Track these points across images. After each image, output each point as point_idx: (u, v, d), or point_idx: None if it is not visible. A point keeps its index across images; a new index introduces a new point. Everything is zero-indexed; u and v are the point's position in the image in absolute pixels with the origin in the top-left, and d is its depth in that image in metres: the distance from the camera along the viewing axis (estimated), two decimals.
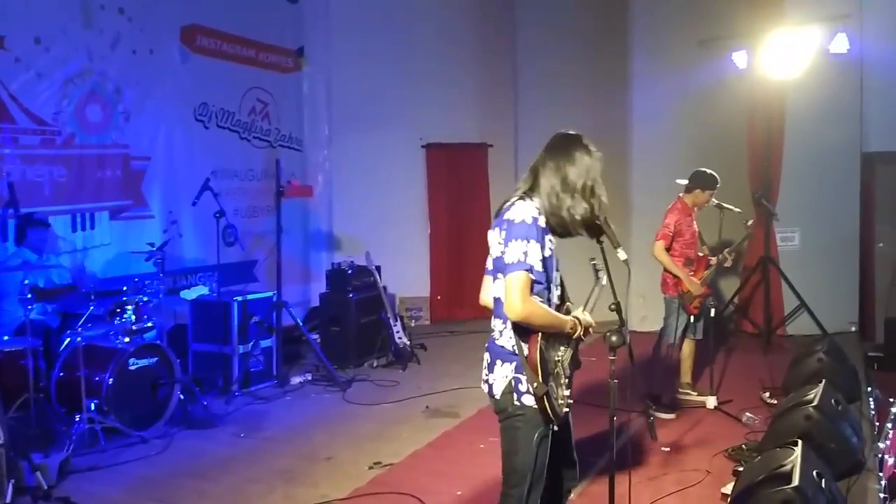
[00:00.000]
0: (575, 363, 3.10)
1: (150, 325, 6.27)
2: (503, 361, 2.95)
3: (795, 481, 3.44)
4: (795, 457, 3.67)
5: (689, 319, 6.21)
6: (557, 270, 3.10)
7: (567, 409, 2.99)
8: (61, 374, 5.71)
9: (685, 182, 6.35)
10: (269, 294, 7.64)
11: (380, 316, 8.34)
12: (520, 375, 2.89)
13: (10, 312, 5.95)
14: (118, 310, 6.03)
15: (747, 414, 5.90)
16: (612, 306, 3.32)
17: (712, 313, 6.35)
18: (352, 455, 5.46)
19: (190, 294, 7.63)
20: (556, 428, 2.93)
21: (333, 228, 10.29)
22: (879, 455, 4.34)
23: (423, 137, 10.29)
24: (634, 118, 9.68)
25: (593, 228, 3.03)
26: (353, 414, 6.57)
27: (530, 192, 2.99)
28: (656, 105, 9.37)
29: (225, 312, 7.14)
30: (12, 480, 4.39)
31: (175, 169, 8.06)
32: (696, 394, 6.52)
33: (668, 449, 5.36)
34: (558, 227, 2.98)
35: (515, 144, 10.44)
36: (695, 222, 6.29)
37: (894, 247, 8.59)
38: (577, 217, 2.96)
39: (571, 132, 3.13)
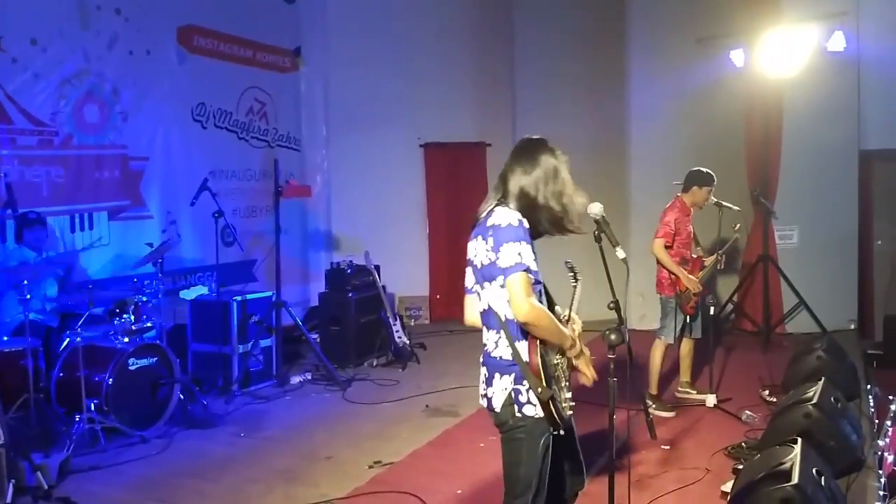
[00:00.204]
0: (570, 366, 3.09)
1: (149, 325, 6.27)
2: (501, 374, 2.91)
3: (795, 479, 3.44)
4: (795, 454, 3.67)
5: (685, 319, 6.21)
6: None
7: (570, 413, 2.98)
8: (61, 374, 5.71)
9: (681, 183, 6.36)
10: (269, 294, 7.65)
11: (379, 315, 8.35)
12: (519, 386, 2.87)
13: (10, 312, 5.94)
14: (118, 310, 6.03)
15: (747, 412, 5.90)
16: (611, 305, 3.33)
17: (711, 311, 6.36)
18: (352, 454, 5.46)
19: (189, 294, 7.63)
20: (561, 432, 2.91)
21: (332, 228, 10.29)
22: (879, 453, 4.35)
23: (421, 137, 10.29)
24: (632, 117, 9.69)
25: (560, 227, 3.02)
26: (353, 413, 6.57)
27: (503, 199, 2.98)
28: (654, 104, 9.38)
29: (224, 312, 7.14)
30: (13, 480, 4.40)
31: (173, 169, 8.06)
32: (695, 392, 6.53)
33: (667, 447, 5.37)
34: (531, 229, 2.97)
35: (513, 143, 10.38)
36: (691, 223, 6.29)
37: (893, 244, 8.61)
38: (546, 217, 2.97)
39: (535, 136, 3.12)
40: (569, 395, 2.98)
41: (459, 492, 4.73)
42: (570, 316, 3.10)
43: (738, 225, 6.62)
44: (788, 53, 8.15)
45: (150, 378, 5.95)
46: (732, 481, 4.26)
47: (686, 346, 6.48)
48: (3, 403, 4.99)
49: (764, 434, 4.91)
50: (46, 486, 4.52)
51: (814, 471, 3.62)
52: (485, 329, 3.03)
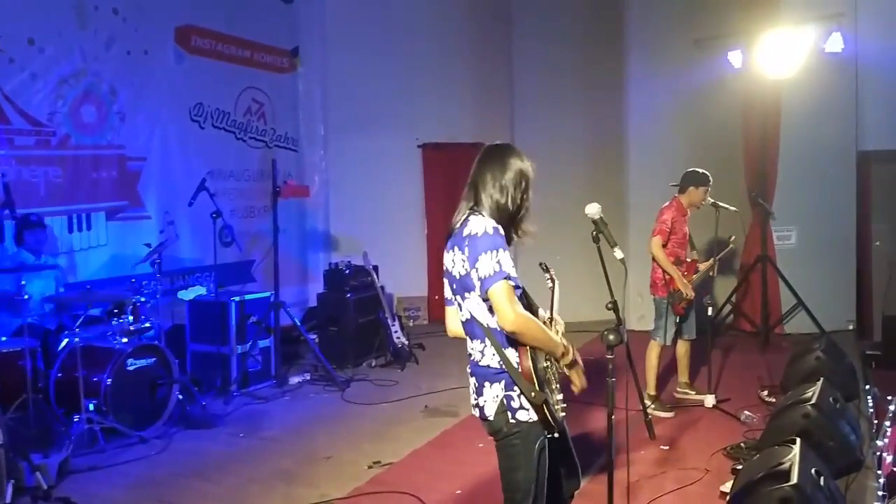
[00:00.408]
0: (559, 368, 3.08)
1: (147, 325, 6.26)
2: (491, 382, 2.89)
3: (794, 479, 3.44)
4: (794, 455, 3.68)
5: (676, 319, 6.22)
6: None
7: (563, 415, 2.97)
8: (60, 374, 5.71)
9: (677, 185, 6.37)
10: (267, 294, 7.64)
11: (378, 316, 8.35)
12: (510, 393, 2.85)
13: (9, 313, 5.93)
14: (116, 310, 6.03)
15: (746, 412, 5.91)
16: (609, 305, 3.33)
17: (709, 312, 6.37)
18: (351, 454, 5.46)
19: (188, 294, 7.63)
20: (556, 435, 2.90)
21: (330, 228, 10.29)
22: (878, 453, 4.35)
23: (419, 137, 10.29)
24: (630, 118, 9.70)
25: (518, 230, 3.02)
26: (352, 413, 6.57)
27: (475, 206, 2.96)
28: (652, 104, 9.39)
29: (223, 313, 7.14)
30: (12, 481, 4.40)
31: (171, 169, 8.05)
32: (694, 392, 6.53)
33: (666, 447, 5.37)
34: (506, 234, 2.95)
35: (512, 144, 10.42)
36: (687, 224, 6.29)
37: (891, 245, 8.61)
38: (515, 220, 2.97)
39: (500, 143, 3.11)
40: (560, 396, 2.96)
41: (458, 492, 4.73)
42: (551, 317, 3.09)
43: (733, 237, 6.69)
44: (786, 54, 8.17)
45: (148, 378, 5.94)
46: (731, 481, 4.26)
47: (682, 347, 6.49)
48: (2, 404, 5.00)
49: (763, 434, 4.91)
50: (45, 487, 4.52)
51: (813, 471, 3.62)
52: (468, 339, 3.00)
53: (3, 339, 5.64)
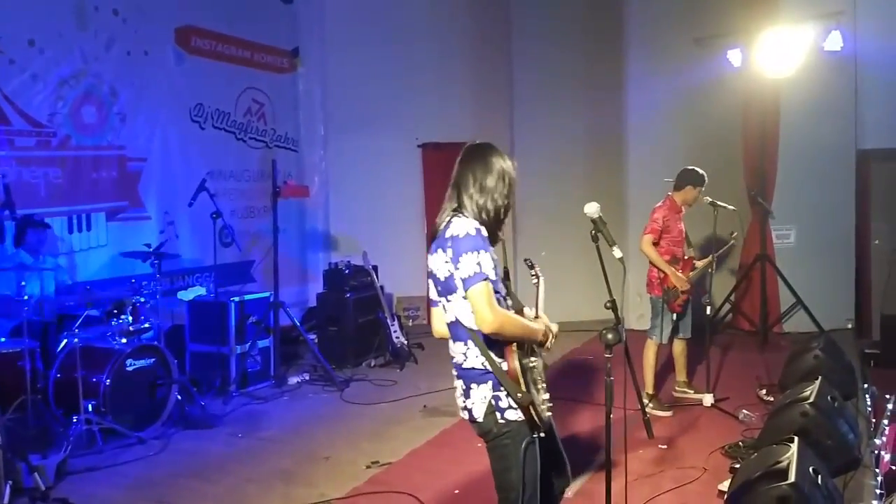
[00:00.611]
0: (545, 366, 3.09)
1: (147, 325, 6.26)
2: (478, 384, 2.89)
3: (792, 478, 3.45)
4: (792, 453, 3.68)
5: (672, 317, 6.22)
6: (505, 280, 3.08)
7: (549, 414, 2.97)
8: (58, 375, 5.71)
9: (672, 181, 6.38)
10: (266, 294, 7.65)
11: (377, 315, 8.35)
12: (498, 393, 2.85)
13: (8, 313, 5.93)
14: (115, 311, 6.03)
15: (744, 411, 5.91)
16: (608, 304, 3.33)
17: (708, 311, 6.37)
18: (350, 454, 5.47)
19: (187, 295, 7.63)
20: (542, 434, 2.90)
21: (330, 228, 10.29)
22: (876, 451, 4.35)
23: (418, 137, 10.28)
24: (630, 116, 9.70)
25: (497, 230, 3.00)
26: (350, 413, 6.57)
27: (458, 208, 2.95)
28: (652, 103, 9.38)
29: (222, 313, 7.15)
30: (10, 482, 4.39)
31: (171, 170, 8.06)
32: (692, 391, 6.54)
33: (664, 446, 5.38)
34: (489, 235, 2.95)
35: (511, 143, 10.42)
36: (682, 222, 6.30)
37: (890, 243, 8.60)
38: (496, 221, 2.95)
39: (480, 142, 3.09)
40: (546, 395, 2.97)
41: (457, 491, 4.74)
42: (537, 314, 3.09)
43: (735, 233, 6.63)
44: (785, 53, 8.16)
45: (147, 379, 5.95)
46: (729, 480, 4.26)
47: (678, 346, 6.49)
48: (1, 404, 4.99)
49: (761, 433, 4.91)
50: (44, 488, 4.52)
51: (810, 469, 3.62)
52: (451, 341, 3.00)
53: (2, 339, 5.64)
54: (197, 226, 7.94)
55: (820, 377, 5.02)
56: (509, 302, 3.00)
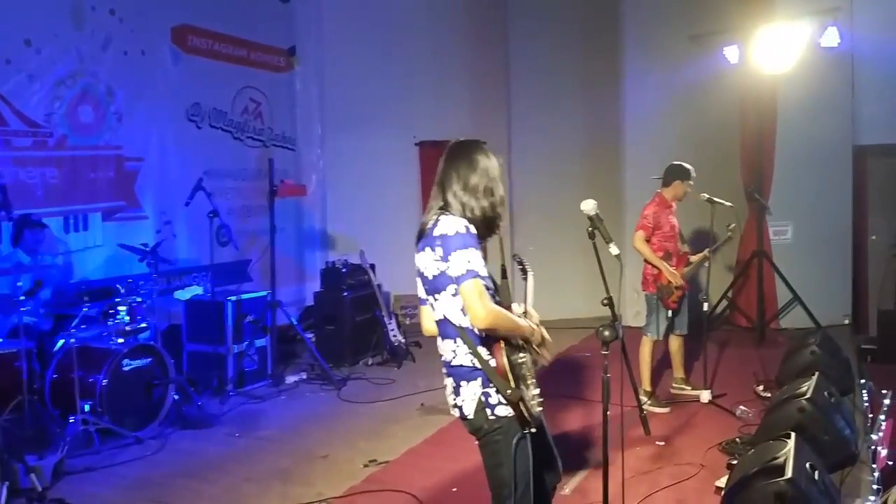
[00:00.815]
0: (535, 362, 3.09)
1: (143, 325, 6.26)
2: (467, 381, 2.90)
3: (789, 473, 3.45)
4: (789, 449, 3.68)
5: (667, 314, 6.23)
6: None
7: (540, 409, 2.97)
8: (55, 375, 5.71)
9: (660, 178, 6.39)
10: (264, 293, 7.64)
11: (374, 314, 8.35)
12: (488, 389, 2.86)
13: (4, 314, 5.93)
14: (112, 311, 6.03)
15: (741, 407, 5.92)
16: (605, 301, 3.33)
17: (705, 307, 6.37)
18: (347, 453, 5.47)
19: (184, 294, 7.63)
20: (533, 429, 2.90)
21: (327, 227, 10.28)
22: (872, 447, 4.36)
23: (416, 136, 10.27)
24: (627, 113, 9.70)
25: (491, 228, 3.00)
26: (348, 412, 6.57)
27: (444, 206, 2.95)
28: (649, 100, 9.39)
29: (219, 312, 7.13)
30: (7, 483, 4.40)
31: (168, 169, 8.05)
32: (689, 388, 6.55)
33: (662, 443, 5.39)
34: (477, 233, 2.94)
35: (509, 141, 10.43)
36: (673, 216, 6.30)
37: (887, 239, 8.62)
38: (483, 219, 2.94)
39: (465, 139, 3.09)
40: (537, 391, 2.97)
41: (455, 490, 4.74)
42: (525, 310, 3.09)
43: (733, 225, 6.60)
44: (782, 49, 8.17)
45: (144, 379, 5.94)
46: (727, 476, 4.26)
47: (675, 343, 6.50)
48: None
49: (758, 429, 4.91)
50: (41, 488, 4.53)
51: (807, 465, 3.62)
52: (440, 339, 3.01)
53: None
54: (194, 225, 7.93)
55: (817, 373, 5.02)
56: (497, 298, 3.00)
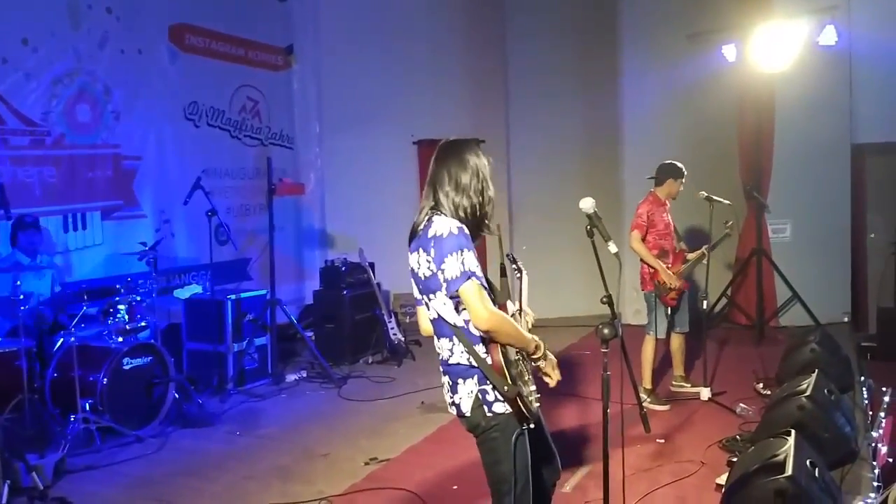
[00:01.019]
0: (530, 357, 3.08)
1: (143, 324, 6.27)
2: (464, 378, 2.90)
3: (789, 471, 3.46)
4: (789, 446, 3.69)
5: (666, 312, 6.23)
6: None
7: (538, 405, 2.98)
8: (55, 374, 5.70)
9: (654, 178, 6.39)
10: (263, 292, 7.64)
11: (374, 312, 8.35)
12: (485, 387, 2.85)
13: (4, 313, 5.92)
14: (111, 310, 6.02)
15: (741, 405, 5.93)
16: (604, 299, 3.33)
17: (705, 305, 6.38)
18: (348, 451, 5.47)
19: (183, 293, 7.62)
20: (531, 426, 2.90)
21: (326, 226, 10.28)
22: (872, 444, 4.37)
23: (414, 134, 10.26)
24: (625, 112, 9.70)
25: (480, 228, 3.00)
26: (348, 410, 6.58)
27: (436, 207, 2.95)
28: (646, 99, 9.40)
29: (219, 311, 7.13)
30: (8, 481, 4.40)
31: (166, 168, 8.04)
32: (690, 386, 6.56)
33: (662, 440, 5.39)
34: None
35: (507, 139, 10.44)
36: (668, 215, 6.31)
37: (886, 237, 8.63)
38: (473, 218, 2.94)
39: (455, 138, 3.08)
40: (533, 387, 2.97)
41: (455, 487, 4.74)
42: (520, 308, 3.08)
43: (731, 222, 6.59)
44: (780, 48, 8.17)
45: (144, 377, 5.94)
46: (727, 474, 4.27)
47: (676, 341, 6.51)
48: None
49: (758, 426, 4.93)
50: (42, 487, 4.53)
51: (808, 462, 3.64)
52: (436, 338, 3.02)
53: None
54: (192, 224, 7.93)
55: (816, 371, 5.04)
56: (492, 297, 3.00)
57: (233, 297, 7.23)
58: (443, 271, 2.79)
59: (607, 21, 9.83)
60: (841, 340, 6.74)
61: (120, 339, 5.94)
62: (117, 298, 6.07)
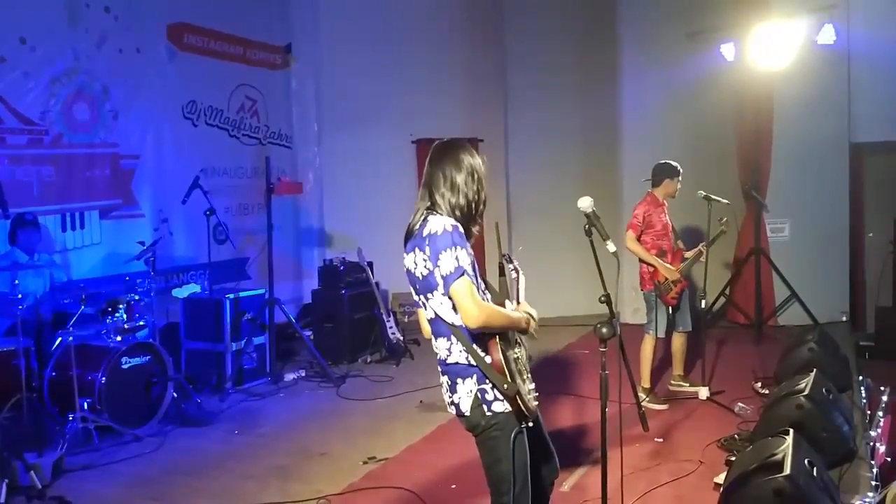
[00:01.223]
0: (529, 357, 3.09)
1: (142, 323, 6.26)
2: (463, 378, 2.90)
3: (787, 470, 3.46)
4: (787, 446, 3.69)
5: (668, 311, 6.24)
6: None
7: (536, 403, 2.98)
8: (54, 373, 5.70)
9: (650, 179, 6.40)
10: (261, 291, 7.64)
11: (373, 312, 8.35)
12: (484, 386, 2.86)
13: (2, 312, 5.91)
14: (110, 309, 6.01)
15: (740, 404, 5.93)
16: (603, 298, 3.34)
17: (703, 304, 6.38)
18: (346, 450, 5.47)
19: (182, 292, 7.61)
20: (530, 424, 2.91)
21: (325, 225, 10.27)
22: (871, 443, 4.37)
23: (413, 133, 10.25)
24: (624, 111, 9.71)
25: (473, 225, 3.01)
26: (347, 409, 6.58)
27: (431, 207, 2.96)
28: (645, 98, 9.40)
29: (217, 310, 7.13)
30: (6, 480, 4.40)
31: (164, 167, 8.03)
32: (688, 385, 6.56)
33: (660, 440, 5.39)
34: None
35: (506, 138, 10.43)
36: (666, 215, 6.31)
37: (884, 236, 8.63)
38: (466, 215, 2.95)
39: (449, 139, 3.09)
40: (532, 385, 2.98)
41: (454, 486, 4.74)
42: (517, 307, 3.09)
43: (725, 219, 6.58)
44: (779, 47, 8.18)
45: (143, 376, 5.94)
46: (725, 473, 4.27)
47: (677, 340, 6.51)
48: None
49: (756, 426, 4.93)
50: (40, 486, 4.53)
51: (806, 461, 3.64)
52: (434, 338, 3.02)
53: None
54: (191, 223, 7.92)
55: (815, 370, 5.04)
56: (488, 295, 3.00)
57: (231, 296, 7.22)
58: (439, 268, 2.80)
59: (606, 20, 9.83)
60: (839, 340, 6.75)
61: (118, 339, 5.94)
62: (116, 297, 6.07)
